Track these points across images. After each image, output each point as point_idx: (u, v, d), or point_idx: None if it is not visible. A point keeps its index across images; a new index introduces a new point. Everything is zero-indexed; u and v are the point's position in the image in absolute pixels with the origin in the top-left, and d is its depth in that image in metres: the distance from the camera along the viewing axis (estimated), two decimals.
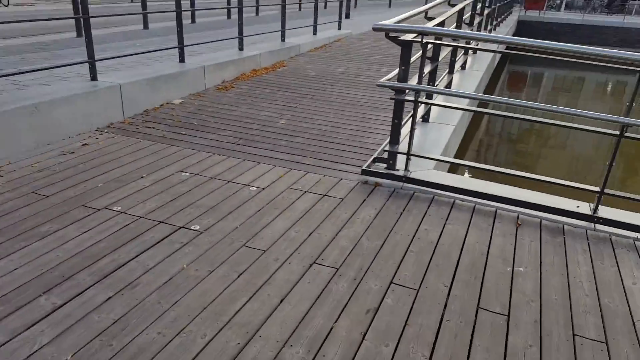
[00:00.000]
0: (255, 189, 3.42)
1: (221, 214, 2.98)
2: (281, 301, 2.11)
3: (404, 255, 2.63)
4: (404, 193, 3.50)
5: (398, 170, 3.77)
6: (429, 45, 3.88)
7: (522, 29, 19.10)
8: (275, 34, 9.62)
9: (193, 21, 11.44)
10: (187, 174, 3.61)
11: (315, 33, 10.34)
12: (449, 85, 6.15)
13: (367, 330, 1.95)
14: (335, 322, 1.98)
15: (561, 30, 19.65)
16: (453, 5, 6.70)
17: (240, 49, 7.56)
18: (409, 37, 3.56)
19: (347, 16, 15.71)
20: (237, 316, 1.99)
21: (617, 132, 3.01)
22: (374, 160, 3.89)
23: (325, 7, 18.34)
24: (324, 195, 3.37)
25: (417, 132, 4.67)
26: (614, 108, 14.24)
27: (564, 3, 26.14)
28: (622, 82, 15.35)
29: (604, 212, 3.19)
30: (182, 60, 6.27)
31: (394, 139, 3.81)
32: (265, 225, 2.88)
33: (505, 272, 2.54)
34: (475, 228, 3.02)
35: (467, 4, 6.49)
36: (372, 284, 2.31)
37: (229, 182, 3.50)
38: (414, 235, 2.87)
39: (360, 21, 15.56)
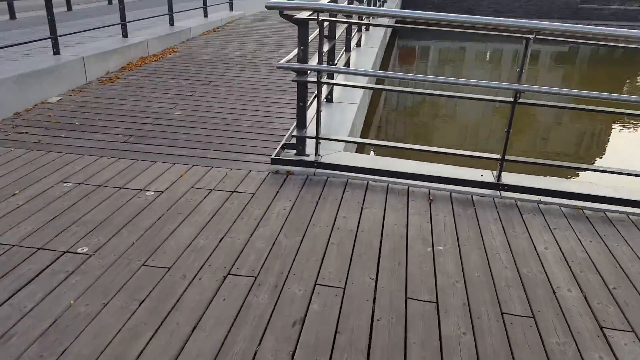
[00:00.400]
0: (152, 193, 3.05)
1: (114, 228, 2.60)
2: (193, 329, 1.84)
3: (326, 250, 2.48)
4: (317, 179, 3.34)
5: (308, 155, 3.60)
6: (326, 23, 3.71)
7: (407, 3, 19.76)
8: (164, 17, 8.90)
9: (69, 8, 10.23)
10: (70, 184, 3.13)
11: (206, 15, 9.76)
12: (347, 64, 6.08)
13: (295, 349, 1.76)
14: (259, 344, 1.77)
15: (443, 3, 20.67)
16: None
17: (125, 35, 6.86)
18: (304, 14, 3.35)
19: None
20: (142, 358, 1.69)
21: (512, 99, 3.09)
22: (283, 147, 3.69)
23: None
24: (232, 192, 3.10)
25: (323, 113, 4.53)
26: (498, 75, 15.35)
27: None
28: (499, 50, 16.55)
29: (507, 178, 3.29)
30: (56, 52, 5.52)
31: (301, 122, 3.62)
32: (168, 236, 2.56)
33: (426, 253, 2.49)
34: (391, 209, 2.96)
35: None
36: (295, 289, 2.13)
37: (120, 188, 3.09)
38: (333, 225, 2.73)
39: (253, 1, 15.06)
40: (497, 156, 3.24)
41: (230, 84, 5.63)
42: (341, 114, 4.66)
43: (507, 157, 3.19)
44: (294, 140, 3.65)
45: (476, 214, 2.95)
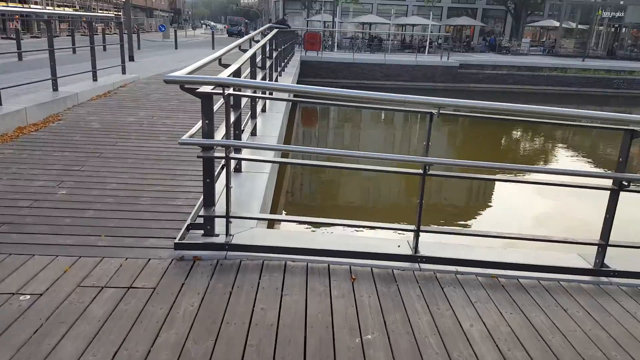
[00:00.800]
0: (28, 297, 2.53)
1: None
2: None
3: (243, 355, 2.16)
4: (229, 264, 3.04)
5: (218, 235, 3.30)
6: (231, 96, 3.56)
7: (306, 68, 20.63)
8: (46, 82, 8.18)
9: None
10: None
11: (95, 79, 9.17)
12: (254, 131, 5.96)
13: None
14: None
15: (338, 68, 21.90)
16: (244, 50, 6.62)
17: None
18: (207, 88, 3.17)
19: (132, 59, 14.61)
20: None
21: (421, 171, 3.11)
22: (188, 228, 3.35)
23: (104, 49, 16.79)
24: (129, 288, 2.68)
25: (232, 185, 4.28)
26: (393, 131, 16.23)
27: (335, 44, 29.40)
28: (391, 114, 17.70)
29: (424, 248, 3.26)
30: None
31: (209, 200, 3.33)
32: (47, 355, 2.08)
33: (355, 345, 2.29)
34: (313, 294, 2.74)
35: (258, 49, 6.45)
36: None
37: None
38: (250, 321, 2.43)
39: (147, 64, 14.64)
40: (412, 227, 3.21)
41: (124, 155, 5.17)
42: (251, 185, 4.44)
43: (423, 228, 3.18)
44: (200, 220, 3.34)
45: (399, 292, 2.84)
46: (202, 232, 3.33)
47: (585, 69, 23.99)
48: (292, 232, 3.54)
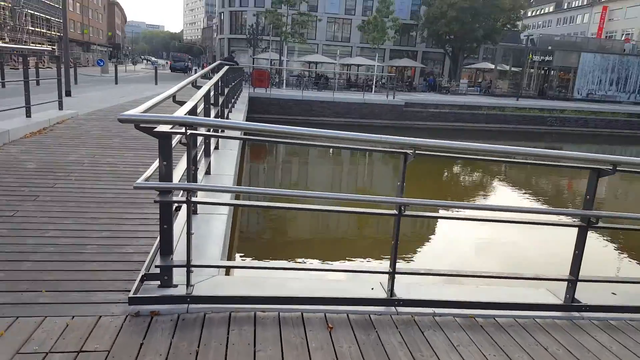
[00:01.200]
0: None
1: None
2: None
3: None
4: (192, 318, 2.75)
5: (177, 286, 3.01)
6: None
7: (254, 104, 20.60)
8: None
9: None
10: None
11: (29, 115, 8.55)
12: (209, 170, 5.70)
13: None
14: None
15: (287, 105, 22.04)
16: (197, 87, 6.42)
17: None
18: (166, 127, 2.94)
19: (68, 94, 13.89)
20: None
21: (396, 212, 3.02)
22: (143, 279, 3.03)
23: (37, 84, 15.91)
24: (79, 352, 2.34)
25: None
26: (341, 163, 16.22)
27: (284, 82, 29.78)
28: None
29: (399, 290, 3.12)
30: None
31: (166, 248, 3.04)
32: None
33: None
34: (289, 348, 2.51)
35: (211, 86, 6.28)
36: None
37: None
38: None
39: (86, 99, 13.99)
40: (387, 269, 3.08)
41: (64, 198, 4.72)
42: (208, 228, 4.16)
43: (398, 269, 3.05)
44: (156, 269, 3.04)
45: (380, 339, 2.67)
46: (158, 282, 3.03)
47: (521, 107, 25.70)
48: (260, 279, 3.29)
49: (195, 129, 3.28)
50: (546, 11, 77.90)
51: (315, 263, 6.60)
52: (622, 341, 2.84)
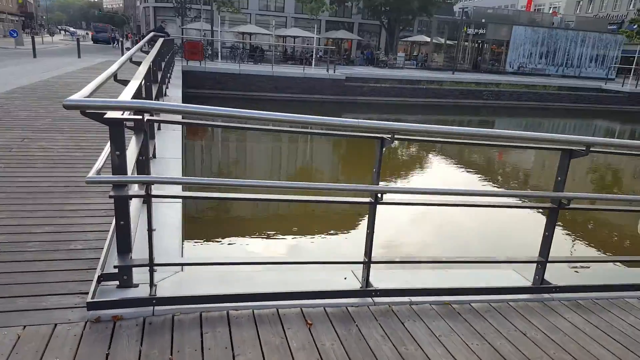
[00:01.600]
0: None
1: None
2: None
3: None
4: (159, 321, 2.54)
5: (137, 286, 2.77)
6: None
7: (189, 78, 19.52)
8: None
9: None
10: None
11: None
12: (154, 154, 5.33)
13: None
14: None
15: (224, 79, 21.15)
16: (136, 63, 5.94)
17: None
18: (117, 114, 2.63)
19: None
20: None
21: (372, 200, 2.93)
22: (100, 280, 2.76)
23: None
24: None
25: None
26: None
27: (219, 54, 28.59)
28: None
29: (374, 280, 3.06)
30: None
31: (124, 246, 2.76)
32: None
33: None
34: (270, 349, 2.39)
35: (150, 62, 5.83)
36: None
37: None
38: None
39: (4, 75, 12.67)
40: (362, 259, 2.99)
41: None
42: (162, 218, 3.87)
43: (373, 259, 2.98)
44: (113, 269, 2.77)
45: (361, 333, 2.60)
46: (117, 283, 2.77)
47: (458, 82, 26.43)
48: (228, 273, 3.11)
49: (151, 115, 2.98)
50: None
51: (285, 254, 6.43)
52: (593, 322, 2.96)
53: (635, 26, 35.29)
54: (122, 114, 2.63)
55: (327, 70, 23.19)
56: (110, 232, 3.38)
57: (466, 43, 37.12)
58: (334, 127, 2.72)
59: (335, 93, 22.38)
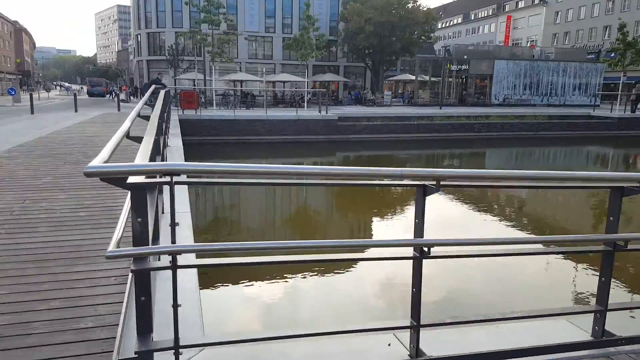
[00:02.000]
0: None
1: None
2: None
3: None
4: None
5: None
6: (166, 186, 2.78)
7: (185, 127, 19.57)
8: None
9: None
10: None
11: None
12: (163, 209, 5.06)
13: None
14: None
15: (219, 126, 21.25)
16: (144, 117, 5.80)
17: None
18: (140, 178, 2.39)
19: None
20: None
21: (417, 254, 2.66)
22: None
23: None
24: None
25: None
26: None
27: (214, 102, 28.86)
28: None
29: (424, 346, 2.74)
30: None
31: (144, 326, 2.45)
32: None
33: None
34: None
35: (157, 116, 5.67)
36: None
37: None
38: None
39: (3, 133, 12.47)
40: (409, 323, 2.69)
41: None
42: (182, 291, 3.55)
43: (423, 322, 2.69)
44: (129, 353, 2.45)
45: None
46: None
47: (449, 116, 26.73)
48: (257, 350, 2.78)
49: (178, 176, 2.74)
50: (455, 22, 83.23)
51: (317, 324, 5.95)
52: None
53: (612, 55, 36.38)
54: (145, 178, 2.40)
55: (320, 112, 23.36)
56: (124, 306, 3.07)
57: (450, 79, 37.95)
58: (374, 177, 2.50)
59: (329, 133, 22.49)
